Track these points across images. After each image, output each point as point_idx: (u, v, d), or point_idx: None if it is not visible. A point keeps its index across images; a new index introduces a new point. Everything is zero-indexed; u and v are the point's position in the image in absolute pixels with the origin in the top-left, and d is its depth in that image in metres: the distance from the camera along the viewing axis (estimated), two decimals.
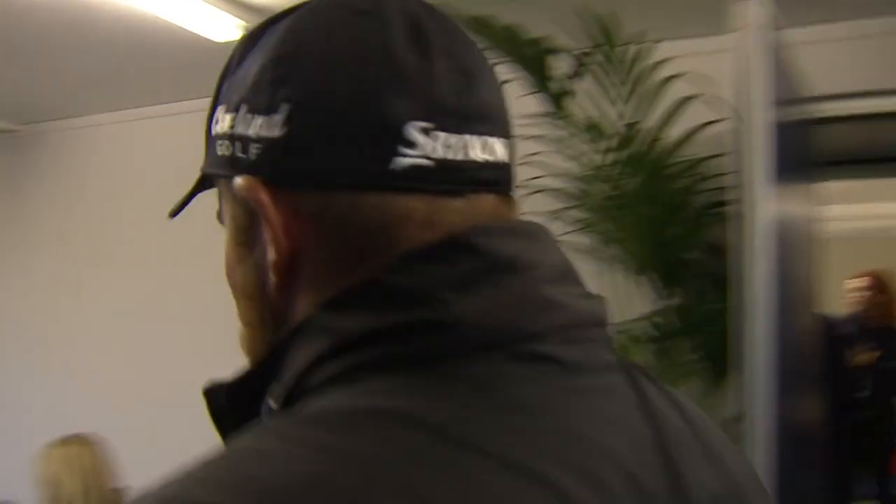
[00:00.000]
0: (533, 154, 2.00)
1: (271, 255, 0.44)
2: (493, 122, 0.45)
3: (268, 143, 0.43)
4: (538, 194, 2.02)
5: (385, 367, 0.40)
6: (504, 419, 0.39)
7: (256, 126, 0.43)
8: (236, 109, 0.45)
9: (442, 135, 0.42)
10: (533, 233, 0.46)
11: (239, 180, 0.44)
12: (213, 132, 0.47)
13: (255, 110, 0.44)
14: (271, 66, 0.44)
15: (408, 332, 0.40)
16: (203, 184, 0.52)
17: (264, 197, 0.43)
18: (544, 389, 0.41)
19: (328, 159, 0.42)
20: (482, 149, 0.44)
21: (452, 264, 0.41)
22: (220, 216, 0.51)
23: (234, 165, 0.45)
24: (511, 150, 0.47)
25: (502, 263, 0.42)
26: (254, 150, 0.44)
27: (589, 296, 0.46)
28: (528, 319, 0.41)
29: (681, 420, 0.48)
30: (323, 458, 0.35)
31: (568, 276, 0.45)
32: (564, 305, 0.43)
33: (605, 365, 0.45)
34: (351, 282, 0.42)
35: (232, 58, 0.48)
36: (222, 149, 0.46)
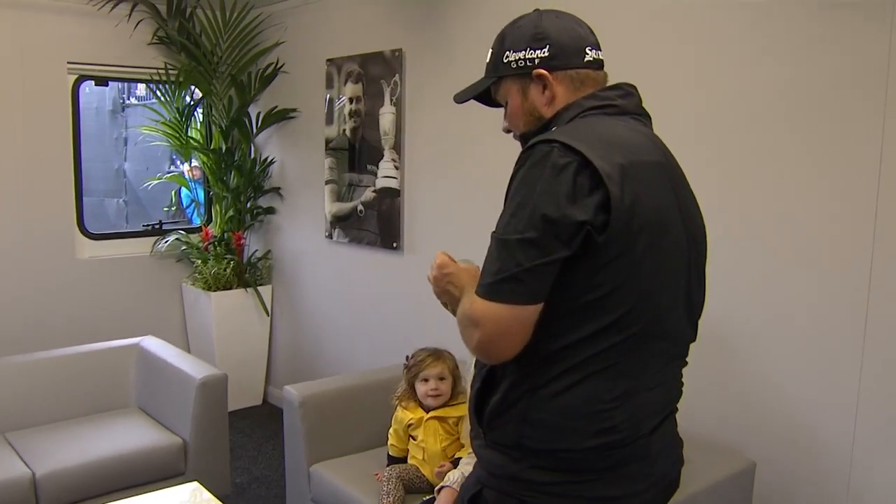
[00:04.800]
0: None
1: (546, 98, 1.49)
2: (596, 45, 1.50)
3: (541, 57, 1.47)
4: None
5: (590, 115, 1.43)
6: (597, 130, 1.38)
7: (533, 53, 1.46)
8: (522, 50, 1.48)
9: (592, 51, 1.48)
10: (620, 85, 1.50)
11: (536, 70, 1.46)
12: (506, 59, 1.49)
13: (528, 49, 1.47)
14: (534, 34, 1.47)
15: (601, 108, 1.44)
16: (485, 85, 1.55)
17: (547, 74, 1.46)
18: (614, 122, 1.43)
19: (566, 60, 1.46)
20: (596, 54, 1.49)
21: (612, 91, 1.48)
22: (501, 97, 1.55)
23: (525, 67, 1.47)
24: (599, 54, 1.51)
25: (622, 92, 1.48)
26: (536, 61, 1.47)
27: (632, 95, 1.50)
28: (622, 101, 1.46)
29: (672, 159, 1.49)
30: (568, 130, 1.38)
31: (632, 95, 1.50)
32: (630, 94, 1.50)
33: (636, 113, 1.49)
34: (577, 97, 1.46)
35: (501, 37, 1.51)
36: (517, 63, 1.48)
